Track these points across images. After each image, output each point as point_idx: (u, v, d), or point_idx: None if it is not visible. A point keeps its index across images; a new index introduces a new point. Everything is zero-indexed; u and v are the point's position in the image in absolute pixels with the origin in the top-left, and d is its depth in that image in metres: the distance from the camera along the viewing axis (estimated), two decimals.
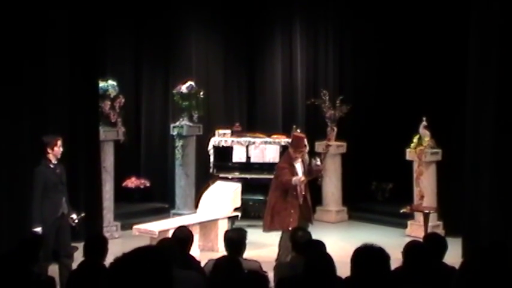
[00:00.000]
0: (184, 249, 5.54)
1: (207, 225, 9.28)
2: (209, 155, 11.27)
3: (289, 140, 11.10)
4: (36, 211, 7.11)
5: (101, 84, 9.73)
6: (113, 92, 9.93)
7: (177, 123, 11.09)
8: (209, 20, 11.95)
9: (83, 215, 7.64)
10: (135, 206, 11.34)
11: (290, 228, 8.11)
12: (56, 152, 7.24)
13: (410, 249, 4.84)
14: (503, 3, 7.93)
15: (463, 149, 8.49)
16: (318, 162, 8.63)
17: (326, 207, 11.55)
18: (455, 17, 9.83)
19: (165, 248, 4.80)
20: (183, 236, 5.66)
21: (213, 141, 11.28)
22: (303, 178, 8.37)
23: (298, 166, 8.55)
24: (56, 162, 7.27)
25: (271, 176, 10.83)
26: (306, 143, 9.17)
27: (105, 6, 9.70)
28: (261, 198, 10.85)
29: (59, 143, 7.28)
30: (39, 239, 6.20)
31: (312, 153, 11.36)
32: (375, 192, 12.07)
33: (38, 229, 7.03)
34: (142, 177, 11.71)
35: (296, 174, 8.40)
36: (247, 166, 11.21)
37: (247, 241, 5.70)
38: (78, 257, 6.49)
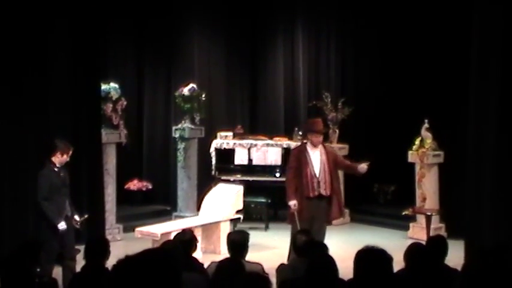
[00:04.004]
0: (187, 252, 5.55)
1: (209, 228, 9.28)
2: (211, 158, 11.28)
3: (290, 142, 11.17)
4: (50, 210, 7.14)
5: (103, 86, 9.74)
6: (115, 95, 9.94)
7: (179, 126, 11.10)
8: (211, 22, 11.96)
9: (86, 216, 7.66)
10: (137, 208, 11.35)
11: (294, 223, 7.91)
12: (63, 159, 7.31)
13: (413, 252, 4.85)
14: (506, 8, 7.92)
15: (465, 151, 8.47)
16: (365, 167, 8.32)
17: None
18: (458, 19, 9.82)
19: (168, 251, 4.81)
20: (187, 238, 5.68)
21: (215, 143, 11.29)
22: (294, 207, 7.91)
23: (316, 156, 8.06)
24: (59, 166, 7.33)
25: (273, 178, 10.90)
26: (318, 127, 8.26)
27: (106, 9, 9.71)
28: (263, 200, 10.87)
29: (70, 152, 7.37)
30: (39, 241, 6.22)
31: None
32: (377, 194, 12.07)
33: (62, 223, 7.11)
34: (145, 179, 11.72)
35: (308, 165, 8.01)
36: (249, 168, 11.22)
37: (249, 243, 5.71)
38: (80, 259, 6.51)
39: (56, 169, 7.27)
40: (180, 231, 6.43)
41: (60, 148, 7.30)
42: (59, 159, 7.28)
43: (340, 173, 11.47)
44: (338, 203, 8.22)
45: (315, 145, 8.15)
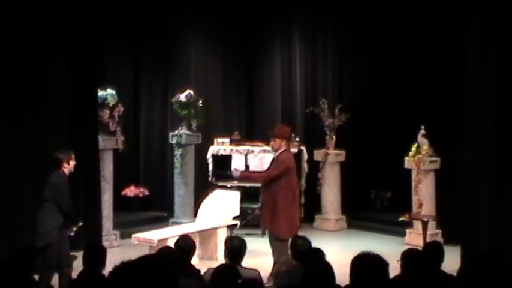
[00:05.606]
0: (186, 259, 5.54)
1: (206, 234, 9.28)
2: (208, 164, 11.28)
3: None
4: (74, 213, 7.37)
5: (100, 93, 9.74)
6: (111, 101, 9.94)
7: (176, 132, 11.10)
8: (208, 28, 11.97)
9: (80, 224, 7.66)
10: (134, 214, 11.33)
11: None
12: (71, 165, 7.35)
13: (408, 257, 4.86)
14: (501, 14, 7.96)
15: (462, 157, 8.49)
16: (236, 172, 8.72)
17: (325, 215, 11.56)
18: (453, 26, 9.86)
19: (164, 257, 4.81)
20: (186, 245, 5.68)
21: (212, 149, 11.29)
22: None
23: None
24: (69, 174, 7.39)
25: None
26: (270, 131, 8.52)
27: (103, 15, 9.72)
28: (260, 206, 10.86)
29: (73, 156, 7.39)
30: (35, 248, 6.22)
31: (311, 162, 11.44)
32: (374, 200, 12.08)
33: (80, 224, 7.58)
34: (141, 186, 11.71)
35: None
36: None
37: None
38: (77, 266, 6.50)
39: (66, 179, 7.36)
40: (178, 237, 6.41)
41: (64, 158, 7.31)
42: (67, 168, 7.31)
43: (337, 179, 11.56)
44: (269, 213, 8.08)
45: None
